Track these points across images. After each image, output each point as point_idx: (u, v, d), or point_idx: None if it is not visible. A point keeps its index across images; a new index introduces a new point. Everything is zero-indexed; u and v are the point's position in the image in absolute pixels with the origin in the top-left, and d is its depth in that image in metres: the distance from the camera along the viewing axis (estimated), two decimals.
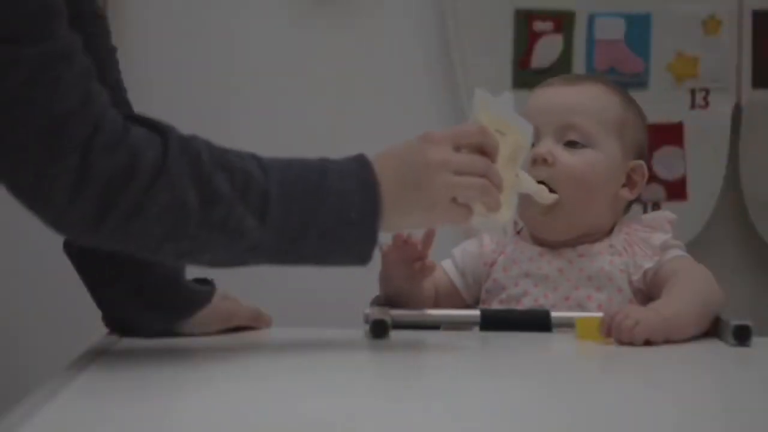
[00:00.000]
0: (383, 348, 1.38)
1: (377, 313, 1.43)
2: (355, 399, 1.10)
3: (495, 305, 1.56)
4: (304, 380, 1.19)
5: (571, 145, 1.55)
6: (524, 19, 2.32)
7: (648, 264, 1.52)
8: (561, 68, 2.29)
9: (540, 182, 1.51)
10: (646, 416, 1.04)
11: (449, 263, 1.63)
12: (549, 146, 1.54)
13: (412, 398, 1.10)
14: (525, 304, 1.54)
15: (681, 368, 1.33)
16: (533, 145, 1.53)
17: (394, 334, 1.42)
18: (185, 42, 2.36)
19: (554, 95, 1.59)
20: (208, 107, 2.32)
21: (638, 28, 2.32)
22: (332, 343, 1.43)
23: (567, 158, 1.54)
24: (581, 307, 1.52)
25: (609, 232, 1.57)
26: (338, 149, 2.38)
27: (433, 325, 1.52)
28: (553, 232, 1.56)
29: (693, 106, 2.33)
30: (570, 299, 1.53)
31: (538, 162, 1.53)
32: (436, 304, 1.58)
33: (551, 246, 1.56)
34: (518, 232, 1.62)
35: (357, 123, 2.37)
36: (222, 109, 2.34)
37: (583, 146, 1.55)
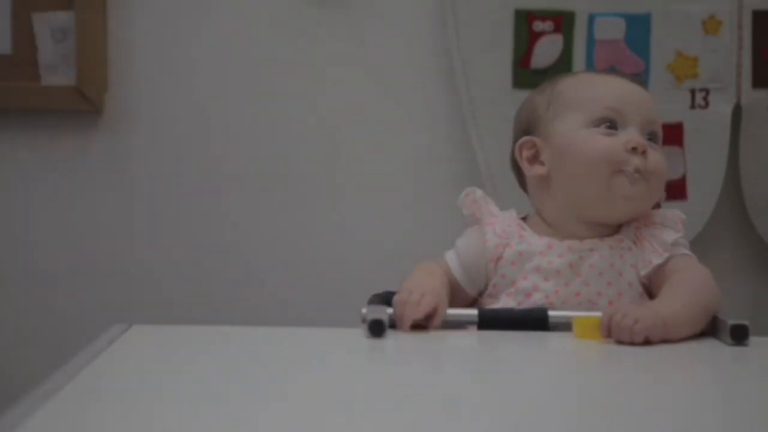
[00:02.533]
0: (380, 347, 1.38)
1: (374, 312, 1.43)
2: (353, 398, 1.10)
3: (503, 299, 1.55)
4: (302, 380, 1.19)
5: (650, 140, 1.57)
6: (524, 19, 2.32)
7: (658, 260, 1.53)
8: (561, 68, 2.28)
9: (636, 171, 1.52)
10: (645, 415, 1.04)
11: (453, 257, 1.60)
12: (641, 137, 1.55)
13: (410, 398, 1.10)
14: (535, 298, 1.54)
15: (679, 367, 1.33)
16: (615, 127, 1.55)
17: (392, 333, 1.42)
18: (184, 42, 2.36)
19: (636, 90, 1.60)
20: (208, 106, 2.32)
21: (638, 28, 2.32)
22: (330, 342, 1.43)
23: (654, 153, 1.56)
24: (591, 303, 1.52)
25: (619, 227, 1.58)
26: (337, 149, 2.40)
27: None
28: (630, 206, 1.55)
29: (693, 106, 2.33)
30: (581, 295, 1.53)
31: (638, 150, 1.54)
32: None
33: (559, 238, 1.56)
34: (524, 218, 1.61)
35: (356, 123, 2.37)
36: (221, 109, 2.34)
37: (656, 145, 1.58)
